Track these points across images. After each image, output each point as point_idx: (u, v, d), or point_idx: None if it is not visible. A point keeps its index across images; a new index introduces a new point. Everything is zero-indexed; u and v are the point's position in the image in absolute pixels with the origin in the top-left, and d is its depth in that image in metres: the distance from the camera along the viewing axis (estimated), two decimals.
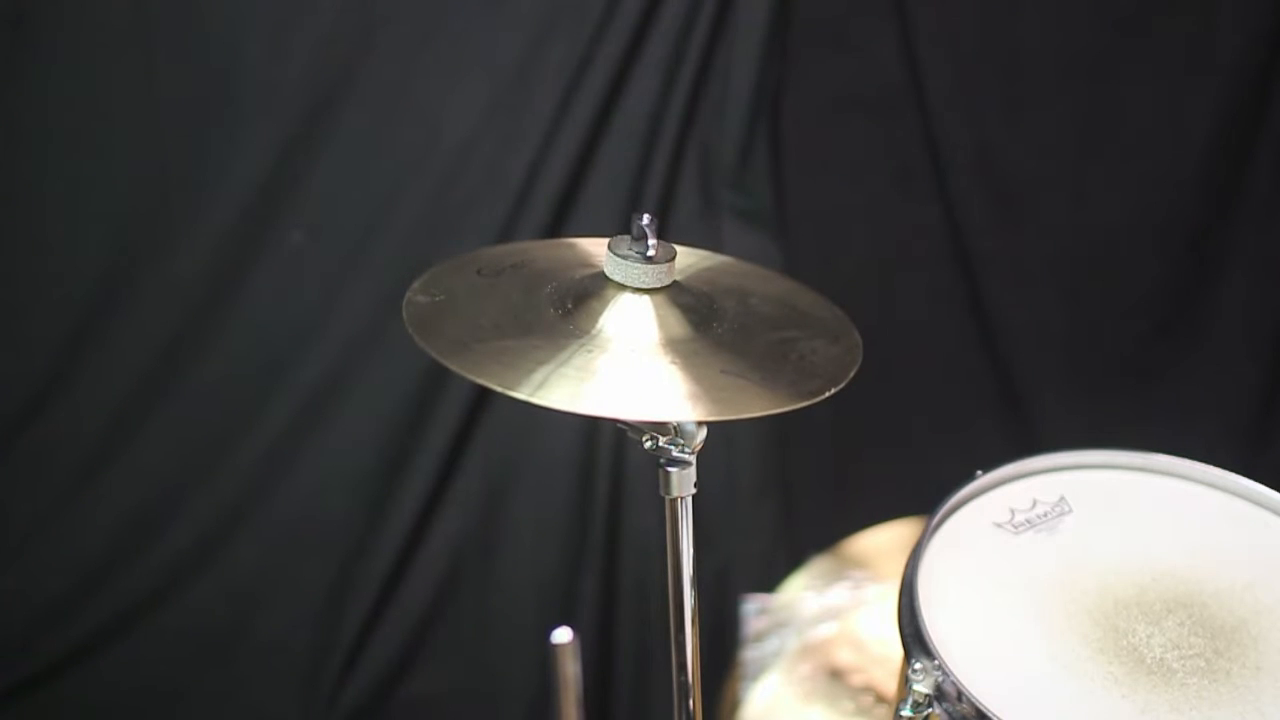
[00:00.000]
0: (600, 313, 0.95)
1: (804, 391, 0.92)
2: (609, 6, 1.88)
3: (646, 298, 0.96)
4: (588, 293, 0.97)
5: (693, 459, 0.97)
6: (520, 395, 0.86)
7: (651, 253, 0.96)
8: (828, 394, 0.93)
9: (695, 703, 1.07)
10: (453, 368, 0.90)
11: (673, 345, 0.93)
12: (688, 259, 1.07)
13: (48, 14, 1.83)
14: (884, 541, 1.69)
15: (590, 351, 0.91)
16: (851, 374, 0.96)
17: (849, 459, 2.17)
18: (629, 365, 0.91)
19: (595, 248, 1.05)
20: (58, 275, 1.98)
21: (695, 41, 1.92)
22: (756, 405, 0.90)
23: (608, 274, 0.97)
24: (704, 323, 0.97)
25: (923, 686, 0.97)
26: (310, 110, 1.91)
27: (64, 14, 1.84)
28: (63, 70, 1.87)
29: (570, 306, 0.96)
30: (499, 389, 0.86)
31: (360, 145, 1.94)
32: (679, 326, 0.95)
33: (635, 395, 0.90)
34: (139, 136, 1.92)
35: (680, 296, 0.98)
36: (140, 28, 1.85)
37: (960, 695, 0.94)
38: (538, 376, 0.88)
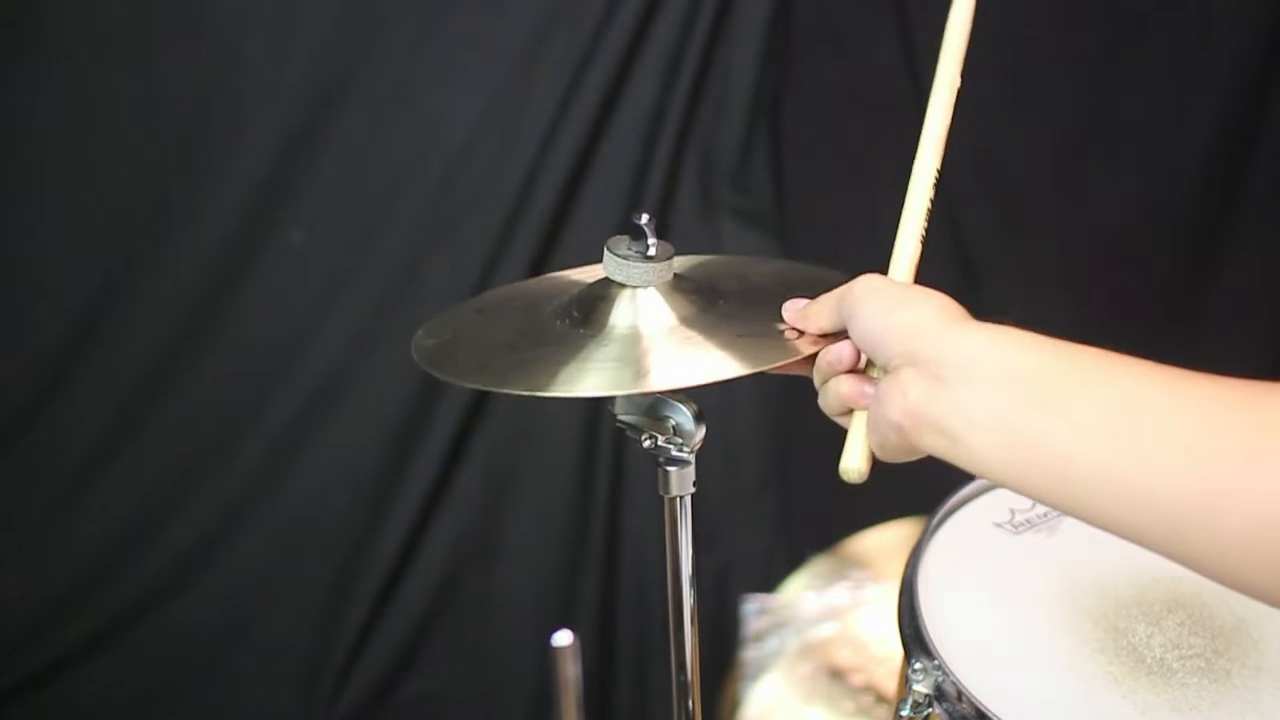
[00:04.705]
0: (608, 312, 0.95)
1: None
2: (609, 6, 1.88)
3: (651, 290, 0.97)
4: (591, 298, 0.97)
5: (692, 458, 0.97)
6: (553, 394, 0.87)
7: (651, 252, 0.96)
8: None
9: (695, 703, 1.07)
10: (477, 386, 0.92)
11: (686, 323, 0.94)
12: (681, 261, 1.07)
13: (48, 14, 1.83)
14: (884, 541, 1.69)
15: (607, 345, 0.92)
16: None
17: None
18: (650, 346, 0.92)
19: (587, 275, 1.06)
20: (58, 275, 1.98)
21: (695, 41, 1.92)
22: (787, 352, 0.89)
23: (608, 275, 0.97)
24: (709, 304, 0.98)
25: (923, 686, 0.97)
26: (310, 110, 1.91)
27: (64, 14, 1.84)
28: (63, 70, 1.87)
29: (576, 314, 0.97)
30: (528, 394, 0.87)
31: (360, 145, 1.94)
32: (687, 308, 0.96)
33: (669, 366, 0.90)
34: (139, 137, 1.92)
35: (681, 285, 0.98)
36: (140, 28, 1.85)
37: (960, 695, 0.94)
38: (564, 375, 0.89)
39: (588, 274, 1.05)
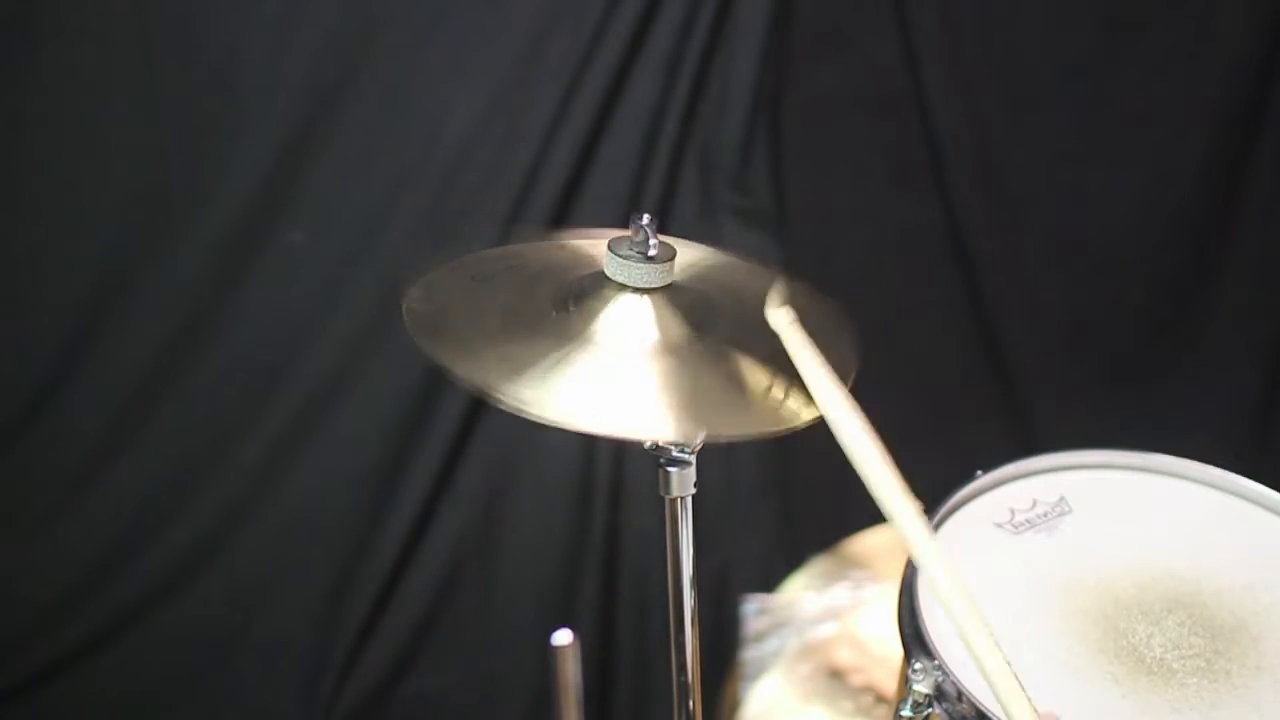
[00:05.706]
0: (599, 313, 0.95)
1: (802, 410, 0.92)
2: (609, 6, 1.88)
3: (646, 299, 0.96)
4: (587, 293, 0.97)
5: (693, 459, 0.97)
6: (513, 402, 0.87)
7: (652, 252, 0.96)
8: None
9: (695, 703, 1.07)
10: (453, 367, 0.90)
11: (671, 350, 0.93)
12: (685, 255, 1.07)
13: (48, 14, 1.83)
14: (884, 541, 1.69)
15: (592, 360, 0.91)
16: (847, 386, 0.96)
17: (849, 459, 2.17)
18: (627, 377, 0.91)
19: (587, 247, 1.05)
20: (57, 275, 1.98)
21: (695, 41, 1.92)
22: (754, 424, 0.89)
23: (608, 274, 0.97)
24: (702, 327, 0.97)
25: (923, 686, 0.97)
26: (310, 110, 1.91)
27: (64, 14, 1.84)
28: (63, 70, 1.87)
29: (571, 308, 0.96)
30: (493, 393, 0.86)
31: (360, 145, 1.94)
32: (677, 330, 0.95)
33: (632, 412, 0.89)
34: (139, 136, 1.92)
35: (679, 298, 0.98)
36: (140, 28, 1.86)
37: (960, 695, 0.94)
38: (535, 381, 0.88)
39: (589, 248, 1.04)
